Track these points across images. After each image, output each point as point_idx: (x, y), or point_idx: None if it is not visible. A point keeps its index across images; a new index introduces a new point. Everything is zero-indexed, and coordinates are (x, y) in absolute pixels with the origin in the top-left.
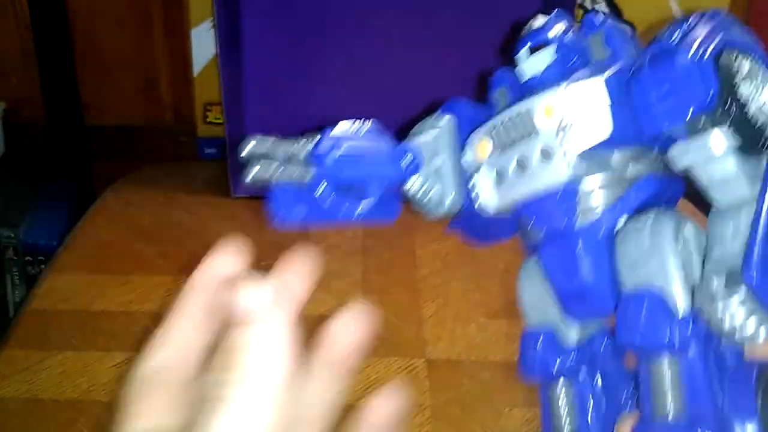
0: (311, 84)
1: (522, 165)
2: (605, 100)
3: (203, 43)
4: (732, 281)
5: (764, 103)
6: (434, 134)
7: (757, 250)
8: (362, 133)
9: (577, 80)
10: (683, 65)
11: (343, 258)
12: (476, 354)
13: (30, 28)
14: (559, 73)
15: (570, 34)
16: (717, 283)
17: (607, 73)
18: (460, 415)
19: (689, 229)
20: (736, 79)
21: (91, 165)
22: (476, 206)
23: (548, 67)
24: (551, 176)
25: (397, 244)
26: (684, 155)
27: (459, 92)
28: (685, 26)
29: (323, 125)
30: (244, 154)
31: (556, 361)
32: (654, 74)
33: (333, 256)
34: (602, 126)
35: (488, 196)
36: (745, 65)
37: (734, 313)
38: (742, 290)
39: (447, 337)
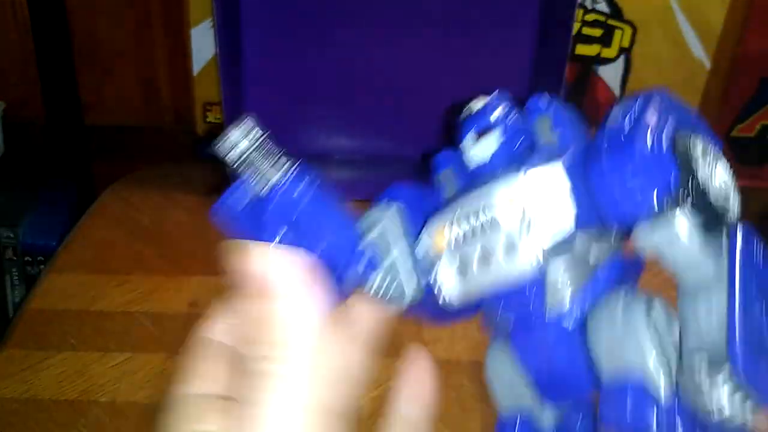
0: (311, 84)
1: (485, 257)
2: (566, 186)
3: (203, 43)
4: (714, 362)
5: (720, 181)
6: (382, 229)
7: (738, 331)
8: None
9: (534, 166)
10: (642, 153)
11: None
12: (476, 354)
13: (29, 28)
14: (507, 158)
15: (513, 116)
16: (700, 366)
17: (563, 159)
18: (460, 416)
19: (658, 309)
20: (692, 161)
21: (91, 165)
22: (440, 299)
23: (496, 152)
24: (517, 269)
25: None
26: (648, 238)
27: (458, 93)
28: (634, 109)
29: (325, 125)
30: (227, 140)
31: None
32: (613, 162)
33: None
34: (565, 214)
35: (451, 288)
36: (697, 145)
37: (720, 394)
38: (726, 370)
39: (447, 337)
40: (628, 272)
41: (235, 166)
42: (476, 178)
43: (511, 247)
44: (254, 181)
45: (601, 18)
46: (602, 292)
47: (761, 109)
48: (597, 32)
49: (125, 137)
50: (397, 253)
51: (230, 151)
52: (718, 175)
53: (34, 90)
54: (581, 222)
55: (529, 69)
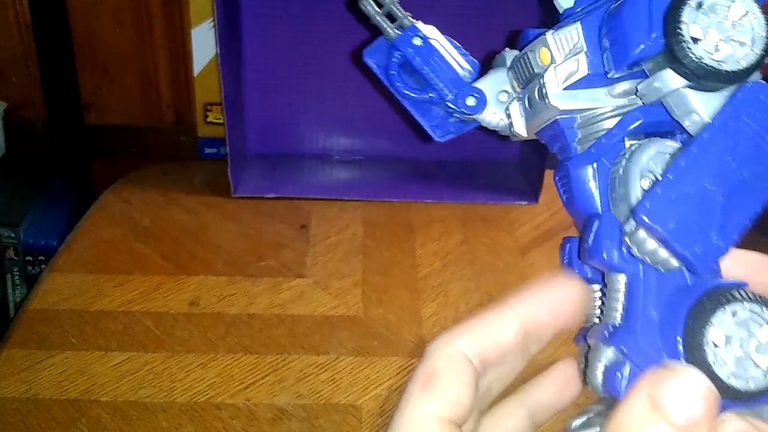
0: (311, 84)
1: (531, 101)
2: (581, 45)
3: (203, 43)
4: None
5: (726, 36)
6: (498, 74)
7: (658, 190)
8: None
9: (559, 27)
10: (631, 16)
11: (343, 258)
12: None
13: (30, 28)
14: (585, 8)
15: None
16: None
17: (585, 17)
18: None
19: (660, 155)
20: (681, 14)
21: (91, 165)
22: (511, 133)
23: (576, 2)
24: (547, 112)
25: (397, 244)
26: (648, 92)
27: None
28: None
29: (325, 125)
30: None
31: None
32: (611, 21)
33: (333, 256)
34: (580, 67)
35: (518, 125)
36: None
37: (647, 248)
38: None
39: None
40: (651, 118)
41: (370, 17)
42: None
43: (541, 95)
44: (384, 31)
45: None
46: (620, 136)
47: None
48: None
49: (125, 137)
50: (507, 94)
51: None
52: (727, 27)
53: (35, 90)
54: (600, 78)
55: None
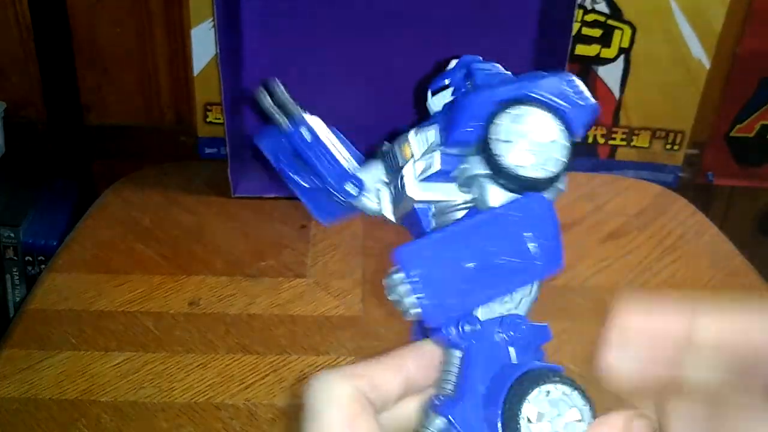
0: (311, 84)
1: (395, 190)
2: (437, 143)
3: (203, 43)
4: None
5: (515, 154)
6: (378, 164)
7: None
8: (336, 140)
9: (419, 128)
10: (461, 103)
11: (343, 258)
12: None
13: (30, 28)
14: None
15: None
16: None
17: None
18: None
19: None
20: (493, 133)
21: (91, 165)
22: (383, 216)
23: (444, 106)
24: (406, 202)
25: (397, 244)
26: (458, 173)
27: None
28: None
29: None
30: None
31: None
32: (450, 108)
33: (333, 256)
34: (435, 163)
35: (387, 211)
36: (502, 122)
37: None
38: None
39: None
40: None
41: (265, 108)
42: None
43: (403, 185)
44: (276, 121)
45: (601, 18)
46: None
47: (761, 109)
48: (597, 32)
49: (125, 137)
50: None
51: (264, 99)
52: (515, 157)
53: (35, 90)
54: (448, 164)
55: (529, 69)
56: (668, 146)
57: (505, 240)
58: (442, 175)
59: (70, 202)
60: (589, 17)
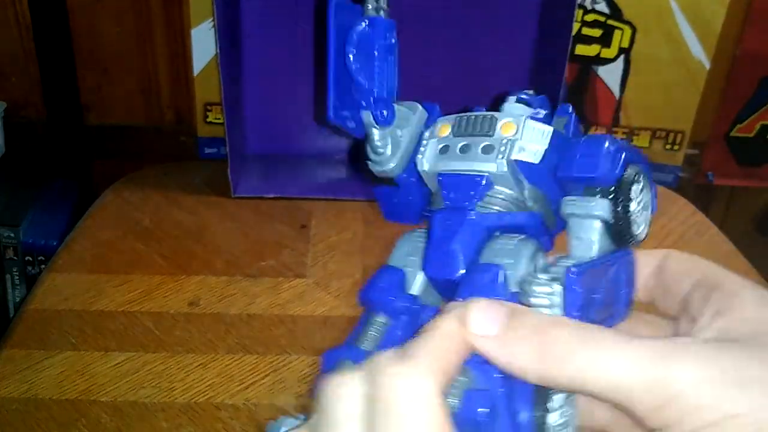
0: (311, 84)
1: (465, 149)
2: (545, 143)
3: (203, 43)
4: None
5: (640, 218)
6: (407, 114)
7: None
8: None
9: (535, 118)
10: (607, 148)
11: (343, 258)
12: None
13: (30, 28)
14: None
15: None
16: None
17: (554, 127)
18: None
19: (541, 260)
20: (632, 188)
21: (91, 165)
22: (416, 163)
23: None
24: (483, 165)
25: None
26: (572, 205)
27: (458, 93)
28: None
29: (325, 125)
30: None
31: (392, 298)
32: (585, 144)
33: (333, 256)
34: (535, 155)
35: (428, 158)
36: (640, 181)
37: (538, 290)
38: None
39: None
40: (541, 233)
41: None
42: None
43: (487, 150)
44: (368, 4)
45: (601, 18)
46: (515, 224)
47: (761, 109)
48: (597, 32)
49: (125, 137)
50: (403, 134)
51: None
52: (642, 214)
53: (35, 90)
54: (539, 176)
55: (529, 69)
56: (668, 146)
57: (617, 284)
58: (530, 172)
59: (70, 202)
60: (589, 17)
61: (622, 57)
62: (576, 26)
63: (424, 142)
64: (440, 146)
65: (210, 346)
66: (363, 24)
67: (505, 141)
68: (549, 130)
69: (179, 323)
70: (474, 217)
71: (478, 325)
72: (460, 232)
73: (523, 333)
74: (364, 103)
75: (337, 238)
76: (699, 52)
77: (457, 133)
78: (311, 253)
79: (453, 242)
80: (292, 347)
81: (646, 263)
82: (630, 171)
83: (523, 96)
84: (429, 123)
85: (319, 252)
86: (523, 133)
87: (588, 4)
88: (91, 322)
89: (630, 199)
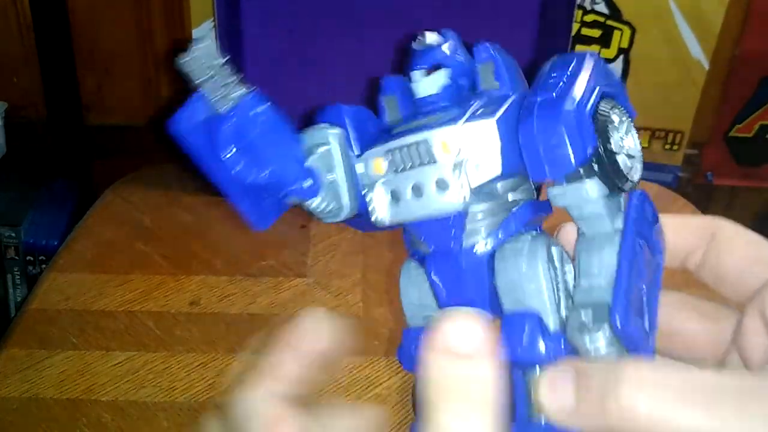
0: (311, 84)
1: (418, 190)
2: (497, 143)
3: None
4: (599, 315)
5: (628, 152)
6: (325, 152)
7: (621, 298)
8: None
9: (472, 117)
10: (568, 121)
11: (343, 258)
12: None
13: (31, 28)
14: (451, 97)
15: (460, 56)
16: (585, 318)
17: (499, 113)
18: None
19: (556, 252)
20: (609, 131)
21: (92, 165)
22: (372, 219)
23: (441, 90)
24: (446, 205)
25: (398, 244)
26: (561, 197)
27: None
28: (568, 68)
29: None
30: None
31: None
32: (540, 126)
33: (333, 256)
34: (494, 165)
35: (383, 214)
36: (615, 116)
37: (598, 346)
38: (607, 327)
39: None
40: (539, 213)
41: (197, 81)
42: (420, 110)
43: (442, 186)
44: (213, 99)
45: (601, 19)
46: (515, 230)
47: (760, 109)
48: (596, 33)
49: (125, 137)
50: (335, 176)
51: (194, 66)
52: (627, 146)
53: (36, 91)
54: (506, 170)
55: (529, 69)
56: (668, 146)
57: (641, 254)
58: (495, 180)
59: (71, 202)
60: (589, 17)
61: (621, 57)
62: (575, 26)
63: (365, 189)
64: (388, 191)
65: (211, 345)
66: (225, 124)
67: (454, 167)
68: (491, 124)
69: (180, 323)
70: (467, 262)
71: (548, 400)
72: (465, 286)
73: (595, 396)
74: (281, 195)
75: (337, 238)
76: (698, 53)
77: (396, 169)
78: (312, 253)
79: (465, 294)
80: None
81: (682, 233)
82: (601, 116)
83: (422, 65)
84: (352, 132)
85: (319, 251)
86: (468, 146)
87: (587, 4)
88: (92, 322)
89: (614, 150)
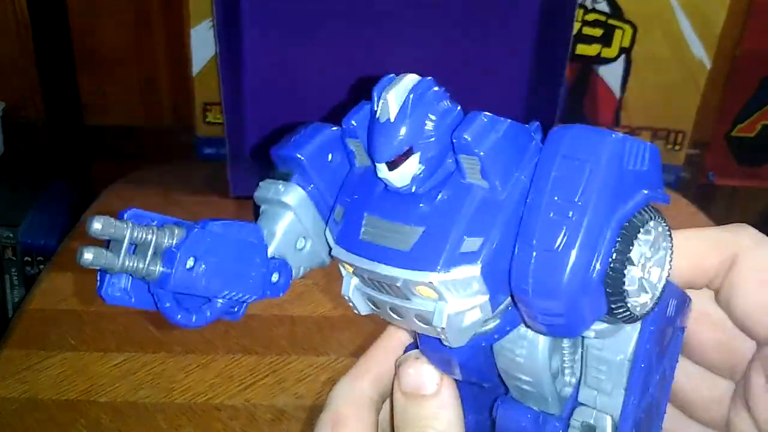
0: (311, 84)
1: (399, 314)
2: (484, 296)
3: (203, 43)
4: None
5: (645, 278)
6: (288, 225)
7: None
8: (231, 236)
9: (451, 260)
10: (570, 295)
11: None
12: None
13: (29, 28)
14: (425, 181)
15: (431, 127)
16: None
17: (483, 254)
18: None
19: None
20: (635, 242)
21: (91, 165)
22: (353, 310)
23: (412, 180)
24: (430, 331)
25: None
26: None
27: (458, 94)
28: (582, 178)
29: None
30: (90, 232)
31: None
32: (537, 290)
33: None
34: (482, 310)
35: (365, 311)
36: (653, 232)
37: None
38: None
39: None
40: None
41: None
42: (391, 197)
43: (423, 320)
44: (138, 270)
45: (602, 18)
46: (509, 331)
47: (761, 109)
48: (597, 32)
49: (125, 137)
50: (305, 243)
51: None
52: (649, 273)
53: (35, 90)
54: (498, 303)
55: (530, 69)
56: (669, 146)
57: (654, 372)
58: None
59: (70, 202)
60: (590, 17)
61: (622, 56)
62: (576, 26)
63: (344, 273)
64: (365, 299)
65: (209, 346)
66: (163, 287)
67: (434, 309)
68: (475, 271)
69: None
70: (456, 357)
71: None
72: (469, 361)
73: None
74: (267, 292)
75: None
76: (700, 52)
77: (369, 285)
78: None
79: (469, 368)
80: (291, 348)
81: (705, 258)
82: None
83: (386, 156)
84: (314, 189)
85: None
86: (450, 294)
87: (588, 3)
88: (90, 323)
89: (625, 265)
